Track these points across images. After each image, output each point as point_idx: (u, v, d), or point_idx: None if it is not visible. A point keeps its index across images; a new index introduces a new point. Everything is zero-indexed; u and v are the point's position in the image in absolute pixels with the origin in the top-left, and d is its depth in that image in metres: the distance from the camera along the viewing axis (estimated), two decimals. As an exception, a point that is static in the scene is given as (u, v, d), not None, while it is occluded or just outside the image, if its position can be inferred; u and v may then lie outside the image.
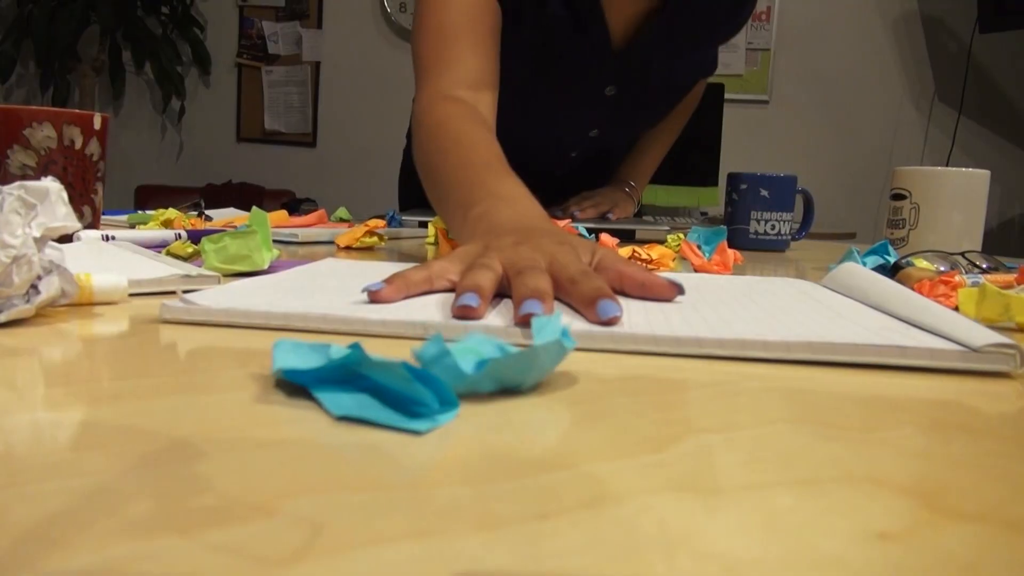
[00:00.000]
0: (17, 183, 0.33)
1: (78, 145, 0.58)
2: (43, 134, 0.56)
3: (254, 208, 0.53)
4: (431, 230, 0.83)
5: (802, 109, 2.92)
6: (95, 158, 0.60)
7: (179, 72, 3.01)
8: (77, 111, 0.57)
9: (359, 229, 0.75)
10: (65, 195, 0.34)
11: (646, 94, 1.01)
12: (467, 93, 0.76)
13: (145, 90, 3.17)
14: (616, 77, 0.97)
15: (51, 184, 0.34)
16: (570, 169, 1.15)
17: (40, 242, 0.33)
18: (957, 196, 0.72)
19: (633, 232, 1.01)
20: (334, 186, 3.10)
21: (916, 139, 2.87)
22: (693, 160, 2.64)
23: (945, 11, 2.81)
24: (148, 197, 2.90)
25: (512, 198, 0.54)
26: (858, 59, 2.87)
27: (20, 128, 0.55)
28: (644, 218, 2.51)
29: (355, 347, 0.23)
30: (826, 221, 2.78)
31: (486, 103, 0.78)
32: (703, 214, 2.75)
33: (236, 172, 3.09)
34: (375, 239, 0.76)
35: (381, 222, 0.77)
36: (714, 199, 2.67)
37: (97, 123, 0.59)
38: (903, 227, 0.74)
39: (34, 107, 0.56)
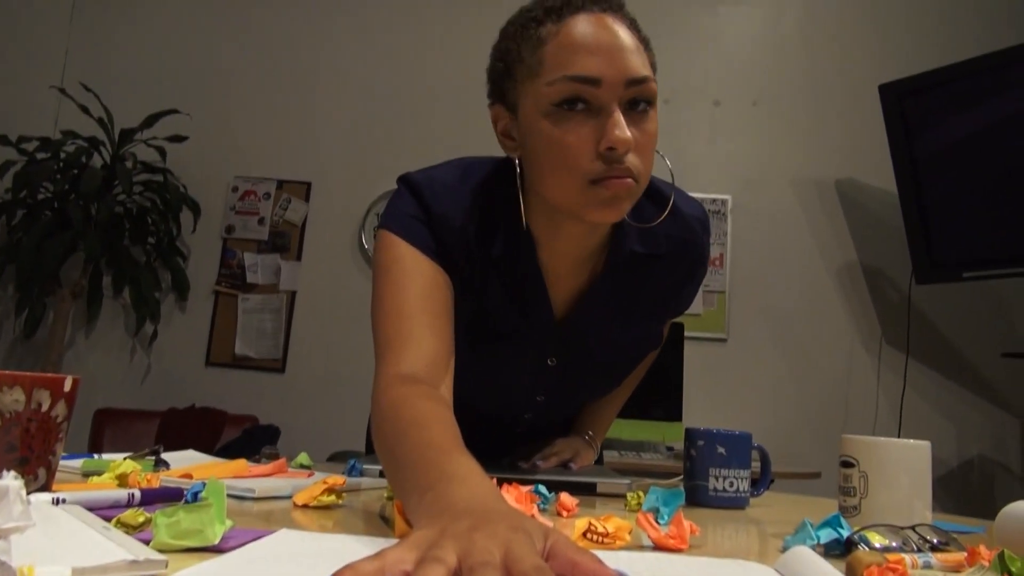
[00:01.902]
0: (-22, 483, 0.34)
1: (45, 407, 0.59)
2: (11, 398, 0.57)
3: (211, 479, 0.53)
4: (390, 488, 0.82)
5: (759, 348, 3.04)
6: (59, 419, 0.61)
7: (156, 298, 3.08)
8: (49, 375, 0.59)
9: (317, 486, 0.75)
10: (24, 492, 0.35)
11: (588, 366, 1.02)
12: (424, 372, 0.79)
13: (120, 313, 3.22)
14: (557, 349, 0.99)
15: (12, 483, 0.34)
16: (530, 427, 1.16)
17: (-10, 542, 0.33)
18: (902, 465, 0.75)
19: (594, 485, 1.01)
20: (300, 412, 3.08)
21: (869, 379, 2.97)
22: (657, 396, 2.70)
23: (883, 263, 3.04)
24: (107, 421, 2.85)
25: (465, 477, 0.55)
26: (807, 303, 3.05)
27: (-10, 392, 0.56)
28: (608, 452, 2.51)
29: None
30: (790, 459, 2.80)
31: (443, 380, 0.81)
32: (668, 449, 2.76)
33: (201, 396, 3.08)
34: (333, 497, 0.76)
35: (339, 479, 0.77)
36: (678, 434, 2.69)
37: (67, 386, 0.61)
38: (854, 495, 0.76)
39: (5, 372, 0.58)
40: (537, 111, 0.80)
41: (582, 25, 0.78)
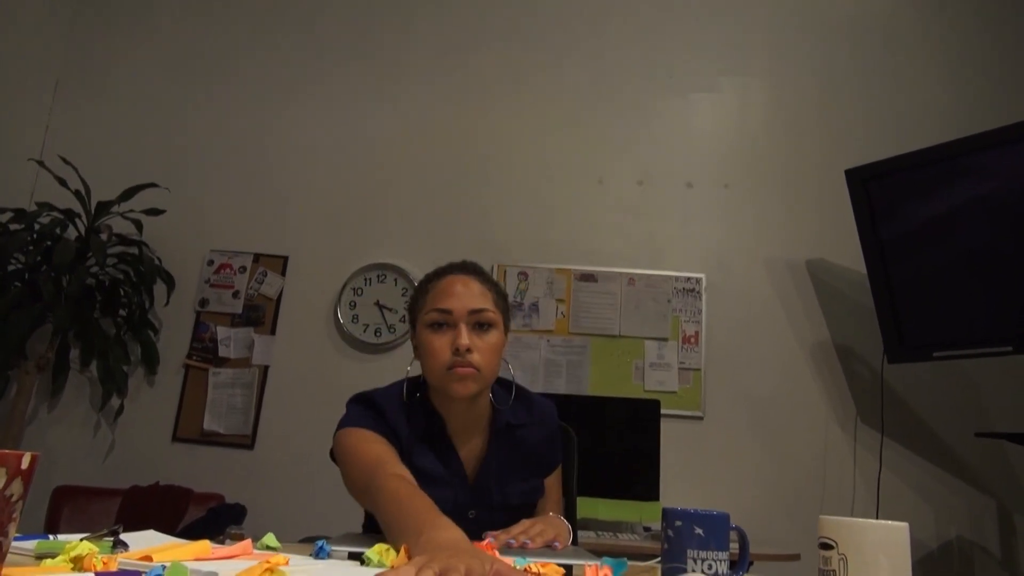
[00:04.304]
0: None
1: (-1, 485, 0.57)
2: (-35, 475, 0.55)
3: (172, 562, 0.51)
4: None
5: (735, 426, 3.03)
6: (14, 499, 0.58)
7: (124, 371, 3.02)
8: (5, 452, 0.57)
9: (258, 567, 0.72)
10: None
11: (497, 514, 1.33)
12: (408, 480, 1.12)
13: (86, 386, 3.15)
14: (475, 503, 1.33)
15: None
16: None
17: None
18: (881, 547, 0.74)
19: (571, 568, 0.98)
20: (268, 489, 3.00)
21: (846, 458, 2.96)
22: (634, 474, 2.66)
23: (855, 342, 3.07)
24: (65, 499, 2.74)
25: (446, 527, 0.90)
26: (782, 381, 3.06)
27: (-58, 469, 0.54)
28: (584, 532, 2.45)
29: None
30: (770, 540, 2.75)
31: None
32: (646, 529, 2.70)
33: (166, 473, 2.99)
34: (280, 578, 0.72)
35: (282, 559, 0.75)
36: (656, 513, 2.64)
37: (25, 463, 0.58)
38: (834, 578, 0.75)
39: (-37, 447, 0.56)
40: (422, 329, 1.29)
41: (447, 281, 1.30)
